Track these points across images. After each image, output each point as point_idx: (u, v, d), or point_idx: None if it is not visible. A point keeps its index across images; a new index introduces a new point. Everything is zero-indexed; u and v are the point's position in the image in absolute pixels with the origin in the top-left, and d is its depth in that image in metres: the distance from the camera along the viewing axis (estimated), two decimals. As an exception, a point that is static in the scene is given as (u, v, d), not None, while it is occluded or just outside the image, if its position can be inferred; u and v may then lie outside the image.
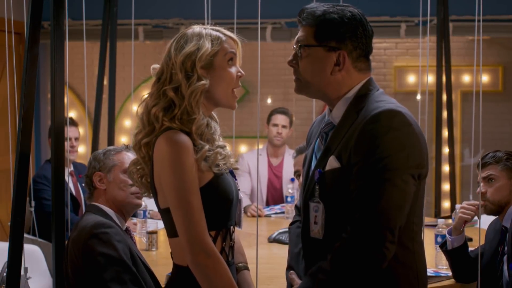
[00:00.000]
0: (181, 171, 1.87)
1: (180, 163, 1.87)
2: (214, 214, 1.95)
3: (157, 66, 2.04)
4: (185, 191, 1.87)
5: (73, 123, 4.76)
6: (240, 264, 2.16)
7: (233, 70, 2.02)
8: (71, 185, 4.55)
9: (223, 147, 2.04)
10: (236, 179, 2.08)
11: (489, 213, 2.90)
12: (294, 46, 1.97)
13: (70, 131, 4.59)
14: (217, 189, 1.95)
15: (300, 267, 2.08)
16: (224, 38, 2.01)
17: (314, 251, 1.95)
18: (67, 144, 4.48)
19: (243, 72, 2.04)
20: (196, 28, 2.01)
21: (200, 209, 1.89)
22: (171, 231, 1.96)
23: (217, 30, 2.03)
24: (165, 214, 1.96)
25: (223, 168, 1.99)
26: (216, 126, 2.08)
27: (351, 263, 1.79)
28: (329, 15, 1.90)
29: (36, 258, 3.62)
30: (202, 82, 1.95)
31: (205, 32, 2.00)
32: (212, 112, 2.09)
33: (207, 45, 1.96)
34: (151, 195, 2.05)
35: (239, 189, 2.07)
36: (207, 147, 1.94)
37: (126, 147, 2.74)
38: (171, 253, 2.05)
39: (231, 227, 2.03)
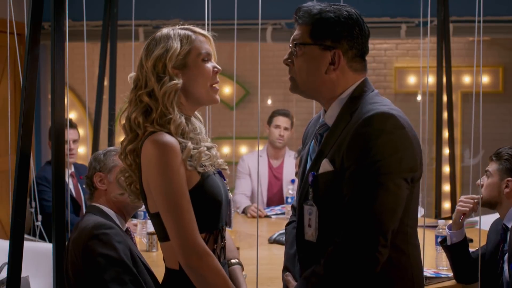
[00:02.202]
0: (169, 173, 1.86)
1: (167, 165, 1.86)
2: (204, 216, 1.94)
3: (133, 74, 2.03)
4: (174, 194, 1.86)
5: (71, 125, 4.72)
6: (233, 260, 2.16)
7: (209, 66, 1.99)
8: (71, 186, 4.54)
9: (210, 147, 2.03)
10: (225, 179, 2.06)
11: (482, 205, 2.90)
12: (290, 45, 1.96)
13: (68, 133, 4.57)
14: (205, 192, 1.94)
15: (296, 268, 2.08)
16: (194, 36, 1.98)
17: (308, 254, 1.95)
18: (67, 147, 4.48)
19: (219, 68, 2.02)
20: (165, 30, 2.00)
21: (189, 210, 1.87)
22: (162, 235, 1.95)
23: (187, 29, 2.00)
24: (155, 218, 1.95)
25: (210, 168, 1.98)
26: (201, 126, 2.06)
27: (344, 267, 1.78)
28: (326, 14, 1.89)
29: (45, 257, 3.60)
30: (174, 81, 1.93)
31: (173, 32, 1.98)
32: (196, 113, 2.07)
33: (176, 45, 1.95)
34: (141, 201, 2.05)
35: (228, 190, 2.06)
36: (190, 144, 1.93)
37: None
38: (163, 257, 2.05)
39: (222, 228, 2.02)
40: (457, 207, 2.89)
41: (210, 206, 1.95)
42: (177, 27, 2.01)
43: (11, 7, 3.39)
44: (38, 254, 3.36)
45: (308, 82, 1.93)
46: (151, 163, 1.88)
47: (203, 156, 1.95)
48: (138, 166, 1.96)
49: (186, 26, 2.02)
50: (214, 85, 2.00)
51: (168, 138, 1.89)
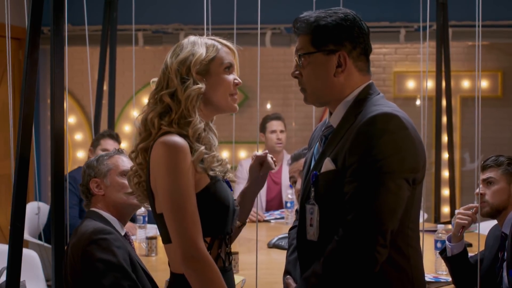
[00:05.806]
0: (176, 174, 1.87)
1: (175, 166, 1.88)
2: (211, 220, 1.95)
3: (156, 79, 2.06)
4: (179, 195, 1.87)
5: (113, 136, 4.55)
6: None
7: (230, 77, 2.03)
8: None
9: (222, 160, 2.06)
10: (232, 190, 2.08)
11: (485, 215, 2.90)
12: (295, 58, 1.97)
13: (110, 144, 4.40)
14: (214, 195, 1.95)
15: (297, 272, 2.08)
16: (219, 46, 2.03)
17: (309, 254, 1.94)
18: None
19: (240, 81, 2.05)
20: (192, 37, 2.05)
21: (193, 213, 1.88)
22: (166, 237, 1.96)
23: (213, 39, 2.06)
24: (160, 219, 1.95)
25: (219, 174, 2.00)
26: (214, 138, 2.08)
27: (343, 266, 1.78)
28: (323, 20, 1.91)
29: (32, 264, 3.60)
30: (198, 86, 1.97)
31: (200, 40, 2.03)
32: (211, 124, 2.09)
33: (202, 51, 1.99)
34: (148, 202, 2.05)
35: (235, 200, 2.07)
36: (202, 148, 1.95)
37: (118, 151, 2.74)
38: (168, 261, 2.05)
39: (227, 234, 2.02)
40: (456, 220, 2.89)
41: (217, 210, 1.96)
42: (204, 36, 2.06)
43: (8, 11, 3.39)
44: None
45: (319, 89, 1.94)
46: (159, 163, 1.89)
47: (215, 161, 1.98)
48: (148, 165, 1.97)
49: (212, 37, 2.07)
50: (233, 95, 2.04)
51: (178, 139, 1.91)
